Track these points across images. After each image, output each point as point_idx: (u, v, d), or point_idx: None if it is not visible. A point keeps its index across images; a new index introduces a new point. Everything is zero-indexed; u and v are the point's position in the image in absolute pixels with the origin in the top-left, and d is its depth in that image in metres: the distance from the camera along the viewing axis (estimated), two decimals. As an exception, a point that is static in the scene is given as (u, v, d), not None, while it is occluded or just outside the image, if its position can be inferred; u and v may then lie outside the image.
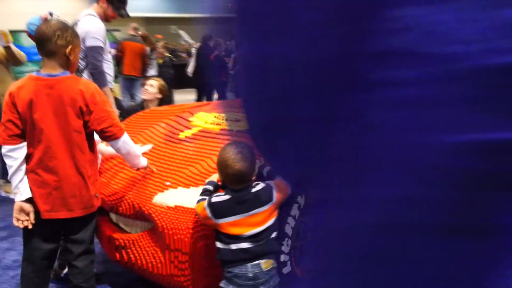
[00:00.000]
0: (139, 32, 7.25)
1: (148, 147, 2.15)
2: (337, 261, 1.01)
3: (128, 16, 3.14)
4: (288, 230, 1.80)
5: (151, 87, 3.10)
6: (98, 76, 2.80)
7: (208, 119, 2.45)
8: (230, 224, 1.57)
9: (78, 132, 1.68)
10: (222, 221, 1.57)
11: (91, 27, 2.83)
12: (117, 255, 1.94)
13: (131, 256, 1.88)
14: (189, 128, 2.31)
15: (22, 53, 3.77)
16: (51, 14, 2.54)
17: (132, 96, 6.21)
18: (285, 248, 1.79)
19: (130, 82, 6.06)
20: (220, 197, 1.60)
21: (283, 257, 1.78)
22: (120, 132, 1.73)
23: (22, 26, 2.90)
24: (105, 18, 3.01)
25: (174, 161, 1.99)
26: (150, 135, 2.38)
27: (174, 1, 15.63)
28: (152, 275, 1.87)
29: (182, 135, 2.24)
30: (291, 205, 1.78)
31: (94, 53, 2.81)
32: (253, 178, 1.65)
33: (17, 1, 10.10)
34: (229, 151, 1.58)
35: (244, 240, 1.56)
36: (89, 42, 2.79)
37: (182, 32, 6.33)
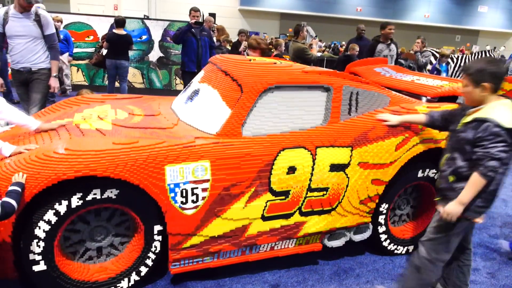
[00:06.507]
0: (215, 25, 7.57)
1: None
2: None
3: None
4: (39, 232, 2.00)
5: None
6: None
7: (92, 114, 2.69)
8: None
9: None
10: None
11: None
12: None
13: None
14: (62, 119, 2.64)
15: None
16: None
17: None
18: (34, 247, 2.01)
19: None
20: None
21: (31, 256, 2.02)
22: None
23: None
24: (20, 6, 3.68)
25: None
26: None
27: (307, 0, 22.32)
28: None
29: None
30: (45, 210, 1.98)
31: None
32: None
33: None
34: None
35: None
36: None
37: (309, 28, 6.97)
